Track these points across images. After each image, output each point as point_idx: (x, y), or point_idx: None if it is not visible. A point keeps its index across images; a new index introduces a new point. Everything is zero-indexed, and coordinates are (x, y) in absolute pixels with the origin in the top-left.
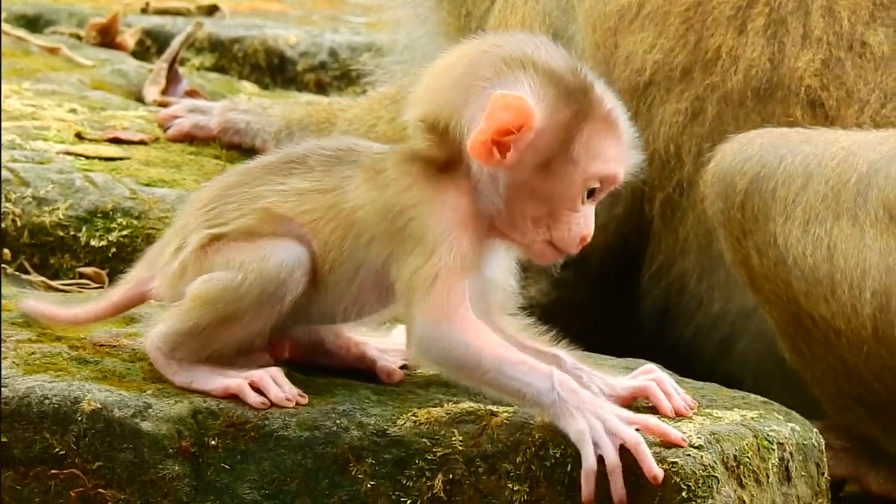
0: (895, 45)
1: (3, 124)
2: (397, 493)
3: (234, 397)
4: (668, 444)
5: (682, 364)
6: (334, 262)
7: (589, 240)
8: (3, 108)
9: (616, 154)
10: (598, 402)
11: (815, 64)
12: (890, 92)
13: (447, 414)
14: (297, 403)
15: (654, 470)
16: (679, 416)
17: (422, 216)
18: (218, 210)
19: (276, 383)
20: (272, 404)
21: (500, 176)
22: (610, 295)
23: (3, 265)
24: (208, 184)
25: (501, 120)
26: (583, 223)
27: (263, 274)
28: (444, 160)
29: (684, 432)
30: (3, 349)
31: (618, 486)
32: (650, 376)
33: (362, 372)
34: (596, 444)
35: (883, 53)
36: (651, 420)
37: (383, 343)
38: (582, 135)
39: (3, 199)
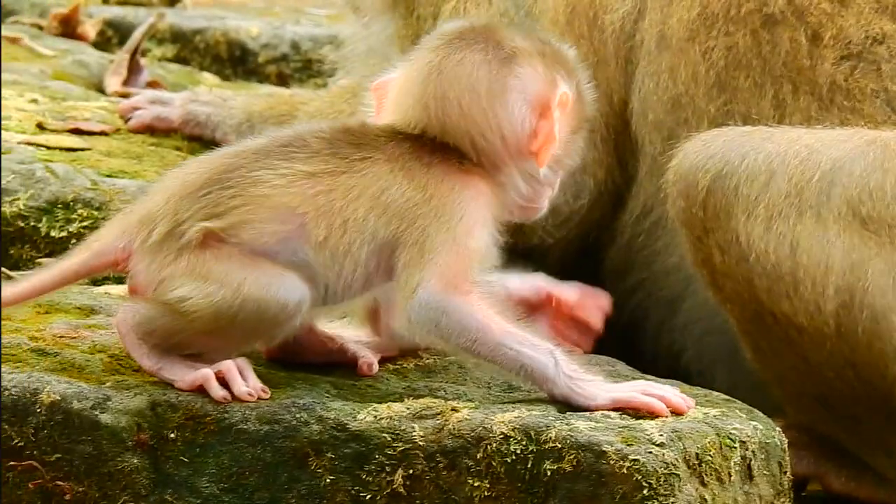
0: None
1: None
2: (356, 487)
3: (199, 388)
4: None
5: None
6: (352, 240)
7: None
8: None
9: None
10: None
11: None
12: (872, 37)
13: (408, 408)
14: (259, 398)
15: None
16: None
17: (455, 206)
18: (214, 196)
19: (242, 376)
20: (234, 398)
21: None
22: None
23: None
24: (195, 164)
25: (553, 122)
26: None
27: (263, 306)
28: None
29: (646, 429)
30: None
31: (663, 406)
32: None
33: (336, 365)
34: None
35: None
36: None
37: (358, 336)
38: (586, 94)
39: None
